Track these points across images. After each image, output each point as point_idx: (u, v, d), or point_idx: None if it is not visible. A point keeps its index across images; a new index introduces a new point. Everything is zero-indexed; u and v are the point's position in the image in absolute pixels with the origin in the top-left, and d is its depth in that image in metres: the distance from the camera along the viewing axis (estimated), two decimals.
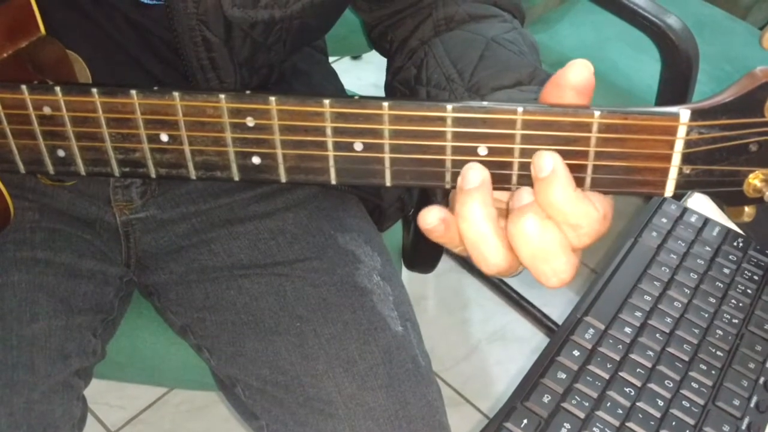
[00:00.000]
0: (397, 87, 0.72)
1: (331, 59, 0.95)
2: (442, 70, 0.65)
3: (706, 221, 0.70)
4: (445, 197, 0.50)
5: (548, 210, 0.43)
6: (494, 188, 0.44)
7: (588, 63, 0.43)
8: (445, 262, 1.13)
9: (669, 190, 0.44)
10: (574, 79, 0.43)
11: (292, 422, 0.71)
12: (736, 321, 0.63)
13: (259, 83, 0.73)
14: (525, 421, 0.54)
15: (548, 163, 0.42)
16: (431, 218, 0.44)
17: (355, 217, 0.83)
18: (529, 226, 0.42)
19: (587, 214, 0.43)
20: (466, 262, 1.59)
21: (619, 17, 1.13)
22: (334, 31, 0.82)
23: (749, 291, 0.65)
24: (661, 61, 1.09)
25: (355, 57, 2.03)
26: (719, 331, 0.62)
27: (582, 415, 0.55)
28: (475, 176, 0.43)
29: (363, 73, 2.03)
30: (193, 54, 0.66)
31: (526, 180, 0.44)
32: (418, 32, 0.71)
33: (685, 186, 0.43)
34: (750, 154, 0.42)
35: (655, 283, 0.64)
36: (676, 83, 1.09)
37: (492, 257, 0.44)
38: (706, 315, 0.63)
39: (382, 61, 0.78)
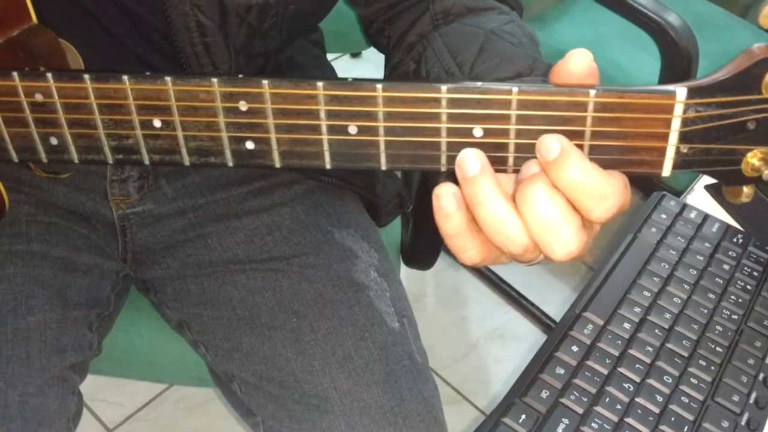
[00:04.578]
0: None
1: (330, 57, 0.95)
2: (442, 64, 0.65)
3: (706, 217, 0.70)
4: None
5: (570, 189, 0.42)
6: None
7: (587, 51, 0.43)
8: (443, 260, 1.12)
9: (666, 169, 0.43)
10: (575, 67, 0.43)
11: (288, 418, 0.71)
12: (736, 317, 0.62)
13: (255, 73, 0.73)
14: (523, 416, 0.54)
15: (554, 144, 0.42)
16: (444, 190, 0.43)
17: (352, 212, 0.83)
18: (537, 195, 0.42)
19: (610, 182, 0.42)
20: None
21: (619, 14, 1.12)
22: (334, 27, 0.81)
23: (749, 287, 0.65)
24: (661, 59, 1.09)
25: (355, 54, 2.03)
26: (719, 327, 0.61)
27: (580, 411, 0.55)
28: (473, 162, 0.42)
29: (362, 71, 2.03)
30: (186, 40, 0.65)
31: (523, 162, 0.43)
32: (416, 27, 0.70)
33: (682, 165, 0.43)
34: (748, 132, 0.42)
35: (654, 278, 0.64)
36: (675, 81, 1.08)
37: (515, 233, 0.43)
38: (706, 311, 0.62)
39: (382, 59, 0.77)
